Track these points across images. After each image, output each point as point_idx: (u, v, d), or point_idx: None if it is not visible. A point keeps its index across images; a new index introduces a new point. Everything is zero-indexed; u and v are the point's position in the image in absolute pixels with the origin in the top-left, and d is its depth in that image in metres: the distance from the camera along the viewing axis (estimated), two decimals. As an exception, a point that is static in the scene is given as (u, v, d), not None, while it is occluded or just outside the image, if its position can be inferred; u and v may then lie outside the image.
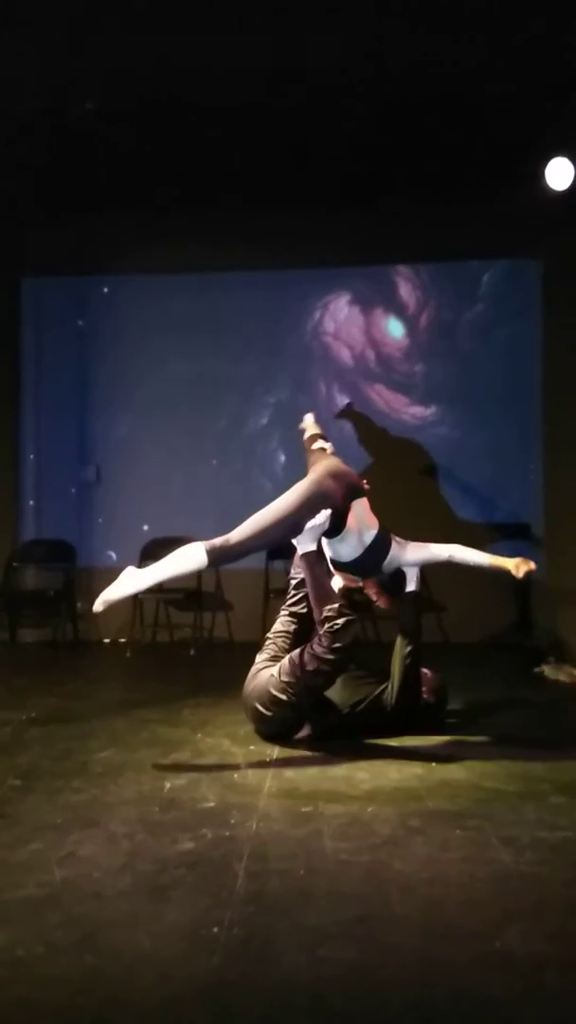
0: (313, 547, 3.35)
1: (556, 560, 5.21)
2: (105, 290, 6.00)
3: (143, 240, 5.71)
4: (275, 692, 3.20)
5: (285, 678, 3.19)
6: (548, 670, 4.63)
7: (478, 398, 5.71)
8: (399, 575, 3.54)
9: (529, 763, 2.98)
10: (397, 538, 3.53)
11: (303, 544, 3.34)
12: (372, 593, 3.67)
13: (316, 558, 3.36)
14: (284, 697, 3.19)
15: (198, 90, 4.19)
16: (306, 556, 3.35)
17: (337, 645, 3.16)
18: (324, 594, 3.29)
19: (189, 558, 3.14)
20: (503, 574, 3.42)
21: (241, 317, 5.88)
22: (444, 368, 5.77)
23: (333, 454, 3.82)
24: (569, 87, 4.03)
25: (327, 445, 3.91)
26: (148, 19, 3.63)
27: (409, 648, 3.43)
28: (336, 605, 3.24)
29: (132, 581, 3.09)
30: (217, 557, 3.16)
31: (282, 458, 5.84)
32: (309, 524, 3.28)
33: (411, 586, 3.53)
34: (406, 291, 5.85)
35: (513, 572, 3.38)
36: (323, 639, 3.19)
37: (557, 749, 3.17)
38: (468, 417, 5.73)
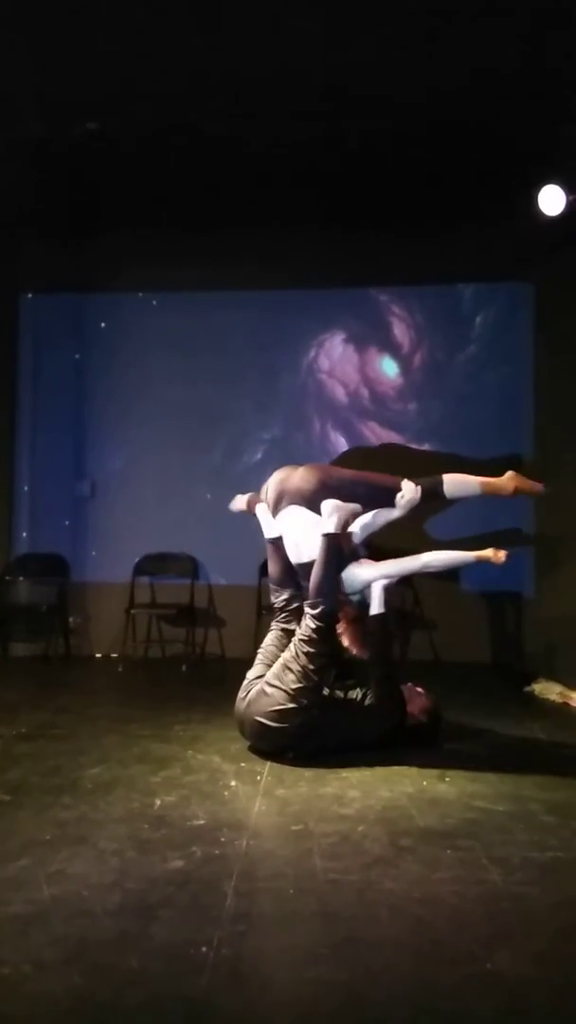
0: (335, 529, 3.33)
1: (546, 581, 5.24)
2: (103, 325, 6.05)
3: (141, 260, 5.75)
4: (283, 705, 3.18)
5: (295, 686, 3.18)
6: (538, 689, 4.63)
7: (471, 433, 5.74)
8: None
9: (519, 783, 2.99)
10: (363, 560, 3.52)
11: (328, 524, 3.33)
12: (346, 638, 3.49)
13: (334, 543, 3.33)
14: (295, 706, 3.18)
15: (197, 114, 4.24)
16: (326, 536, 3.33)
17: (321, 627, 3.21)
18: (326, 586, 3.28)
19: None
20: (485, 564, 3.52)
21: (239, 348, 5.94)
22: (438, 403, 5.80)
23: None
24: (560, 115, 4.10)
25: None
26: (149, 42, 3.68)
27: (381, 673, 3.42)
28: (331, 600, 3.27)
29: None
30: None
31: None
32: (349, 508, 3.35)
33: (375, 608, 3.47)
34: (400, 329, 5.88)
35: (493, 560, 3.44)
36: (305, 620, 3.24)
37: (547, 769, 3.17)
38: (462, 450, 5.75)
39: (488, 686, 4.89)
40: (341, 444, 5.87)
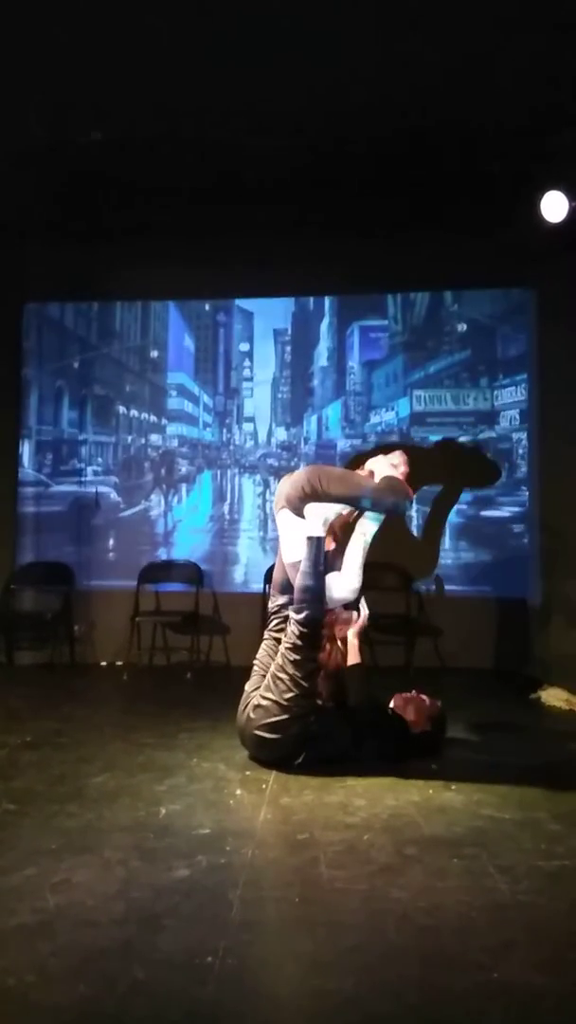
0: (320, 533, 3.30)
1: (551, 587, 5.23)
2: (107, 332, 6.11)
3: (145, 268, 5.78)
4: (278, 716, 3.17)
5: (287, 695, 3.16)
6: (544, 696, 4.61)
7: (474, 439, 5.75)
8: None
9: (526, 790, 2.97)
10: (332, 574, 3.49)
11: (313, 527, 3.30)
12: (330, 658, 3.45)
13: (319, 546, 3.29)
14: (288, 716, 3.16)
15: (200, 121, 4.27)
16: (311, 539, 3.29)
17: (305, 631, 3.18)
18: (310, 590, 3.25)
19: None
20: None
21: (244, 356, 5.99)
22: (439, 410, 5.81)
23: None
24: (562, 121, 4.11)
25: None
26: (152, 52, 3.71)
27: (367, 718, 3.37)
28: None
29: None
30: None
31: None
32: (331, 508, 3.30)
33: (352, 657, 3.44)
34: (401, 335, 5.88)
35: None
36: (290, 626, 3.21)
37: (554, 776, 3.16)
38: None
39: (494, 693, 4.87)
40: (343, 453, 5.88)
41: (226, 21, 3.48)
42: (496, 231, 5.13)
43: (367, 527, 3.45)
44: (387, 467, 3.44)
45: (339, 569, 3.42)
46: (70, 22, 3.48)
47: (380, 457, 3.51)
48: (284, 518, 3.43)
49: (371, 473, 3.45)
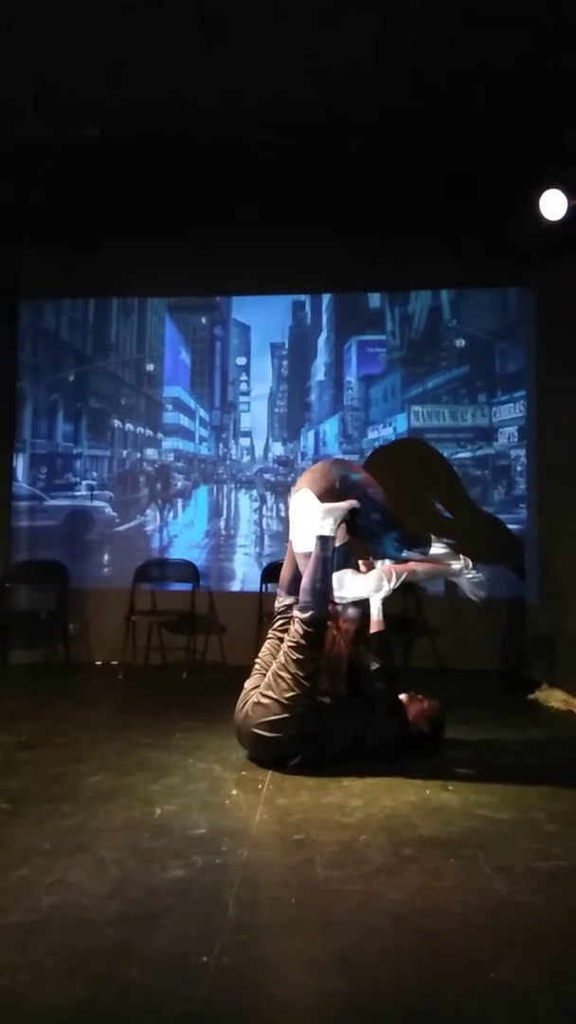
0: (329, 532, 3.31)
1: (549, 587, 5.22)
2: (103, 332, 6.09)
3: (142, 268, 5.77)
4: (278, 715, 3.16)
5: (288, 694, 3.16)
6: (542, 696, 4.61)
7: (470, 440, 5.75)
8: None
9: (523, 791, 2.97)
10: (360, 570, 3.53)
11: (323, 526, 3.31)
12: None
13: (328, 546, 3.31)
14: (288, 715, 3.15)
15: (199, 121, 4.26)
16: (320, 539, 3.30)
17: (309, 630, 3.18)
18: (315, 590, 3.26)
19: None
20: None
21: (241, 357, 5.98)
22: (436, 412, 5.80)
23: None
24: (563, 119, 4.11)
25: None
26: (151, 48, 3.70)
27: (384, 686, 3.40)
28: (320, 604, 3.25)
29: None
30: None
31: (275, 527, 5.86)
32: (339, 505, 3.32)
33: (375, 625, 3.47)
34: (398, 336, 5.86)
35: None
36: (294, 625, 3.21)
37: (551, 777, 3.15)
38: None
39: (491, 693, 4.87)
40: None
41: (225, 16, 3.47)
42: (496, 230, 5.13)
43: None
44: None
45: (352, 564, 3.41)
46: (67, 16, 3.46)
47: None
48: (304, 499, 3.40)
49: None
